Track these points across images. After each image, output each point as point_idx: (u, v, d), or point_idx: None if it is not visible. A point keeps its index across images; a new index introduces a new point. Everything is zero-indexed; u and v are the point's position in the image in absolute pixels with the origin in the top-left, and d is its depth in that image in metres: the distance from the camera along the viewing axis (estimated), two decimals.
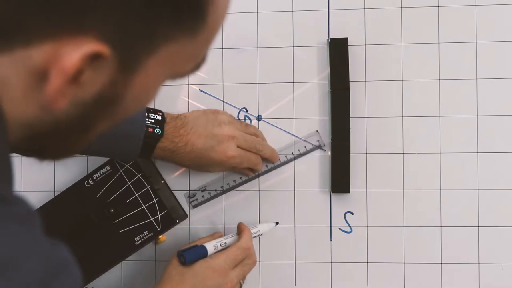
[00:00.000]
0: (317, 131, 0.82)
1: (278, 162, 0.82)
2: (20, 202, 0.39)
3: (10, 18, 0.36)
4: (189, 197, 0.84)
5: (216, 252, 0.73)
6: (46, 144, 0.44)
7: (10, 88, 0.39)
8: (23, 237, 0.37)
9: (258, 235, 0.79)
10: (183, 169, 0.83)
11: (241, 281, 0.74)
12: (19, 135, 0.41)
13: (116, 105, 0.42)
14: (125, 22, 0.37)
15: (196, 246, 0.73)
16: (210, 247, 0.73)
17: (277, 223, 0.81)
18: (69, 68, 0.37)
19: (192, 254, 0.71)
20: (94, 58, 0.37)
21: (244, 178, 0.83)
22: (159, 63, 0.41)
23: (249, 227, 0.78)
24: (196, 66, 0.47)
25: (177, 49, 0.41)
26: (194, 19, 0.40)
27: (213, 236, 0.78)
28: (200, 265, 0.70)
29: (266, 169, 0.82)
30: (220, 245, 0.74)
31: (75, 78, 0.37)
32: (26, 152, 0.46)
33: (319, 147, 0.82)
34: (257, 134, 0.80)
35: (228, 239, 0.76)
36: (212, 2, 0.40)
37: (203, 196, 0.83)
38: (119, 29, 0.37)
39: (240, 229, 0.77)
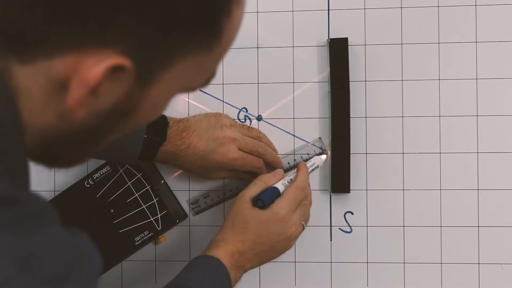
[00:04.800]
0: (320, 138, 0.82)
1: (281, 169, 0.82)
2: (32, 200, 0.39)
3: (37, 31, 0.38)
4: (192, 203, 0.83)
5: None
6: (58, 152, 0.45)
7: (30, 98, 0.40)
8: (40, 233, 0.38)
9: (315, 168, 0.78)
10: None
11: (303, 223, 0.73)
12: (34, 142, 0.42)
13: (129, 116, 0.44)
14: (147, 37, 0.39)
15: (268, 189, 0.71)
16: (281, 186, 0.72)
17: (327, 153, 0.80)
18: (92, 79, 0.38)
19: (269, 197, 0.70)
20: (114, 71, 0.38)
21: (247, 185, 0.82)
22: (174, 77, 0.43)
23: (305, 162, 0.76)
24: (206, 81, 0.48)
25: (192, 64, 0.43)
26: (211, 37, 0.42)
27: (275, 174, 0.74)
28: (264, 212, 0.69)
29: None
30: (288, 182, 0.73)
31: (94, 89, 0.39)
32: (37, 159, 0.46)
33: (321, 154, 0.82)
34: (260, 137, 0.80)
35: (293, 176, 0.74)
36: (228, 21, 0.42)
37: (205, 203, 0.83)
38: (140, 43, 0.39)
39: (298, 167, 0.75)
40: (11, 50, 0.39)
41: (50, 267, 0.37)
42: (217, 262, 0.65)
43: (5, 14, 0.38)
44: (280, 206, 0.70)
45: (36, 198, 0.40)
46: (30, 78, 0.39)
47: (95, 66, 0.38)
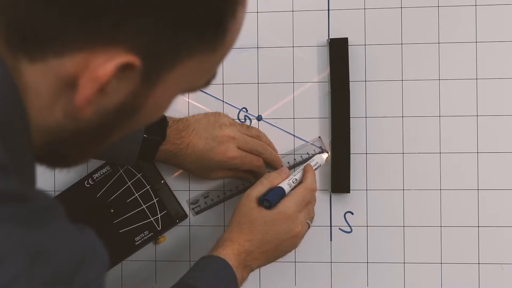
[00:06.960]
0: (319, 137, 0.82)
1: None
2: (41, 196, 0.40)
3: (51, 30, 0.38)
4: (192, 203, 0.83)
5: (291, 190, 0.73)
6: (62, 151, 0.46)
7: (38, 97, 0.40)
8: (49, 228, 0.38)
9: (318, 167, 0.78)
10: None
11: (309, 221, 0.73)
12: (40, 141, 0.42)
13: (134, 115, 0.44)
14: (157, 36, 0.39)
15: (273, 189, 0.71)
16: (286, 186, 0.72)
17: (327, 152, 0.81)
18: (102, 77, 0.38)
19: (275, 197, 0.70)
20: (123, 69, 0.39)
21: (246, 184, 0.82)
22: (178, 77, 0.43)
23: (309, 163, 0.76)
24: (207, 82, 0.49)
25: (196, 64, 0.43)
26: (217, 37, 0.43)
27: (280, 173, 0.74)
28: (270, 211, 0.69)
29: None
30: (293, 182, 0.73)
31: (103, 87, 0.39)
32: (41, 159, 0.47)
33: (322, 153, 0.82)
34: (260, 136, 0.80)
35: (298, 175, 0.74)
36: (233, 21, 0.43)
37: (205, 203, 0.83)
38: (150, 42, 0.39)
39: (305, 169, 0.75)
40: (22, 49, 0.39)
41: (60, 262, 0.38)
42: (223, 262, 0.66)
43: (19, 14, 0.38)
44: (287, 206, 0.70)
45: (44, 195, 0.40)
46: (39, 77, 0.39)
47: (106, 64, 0.38)
